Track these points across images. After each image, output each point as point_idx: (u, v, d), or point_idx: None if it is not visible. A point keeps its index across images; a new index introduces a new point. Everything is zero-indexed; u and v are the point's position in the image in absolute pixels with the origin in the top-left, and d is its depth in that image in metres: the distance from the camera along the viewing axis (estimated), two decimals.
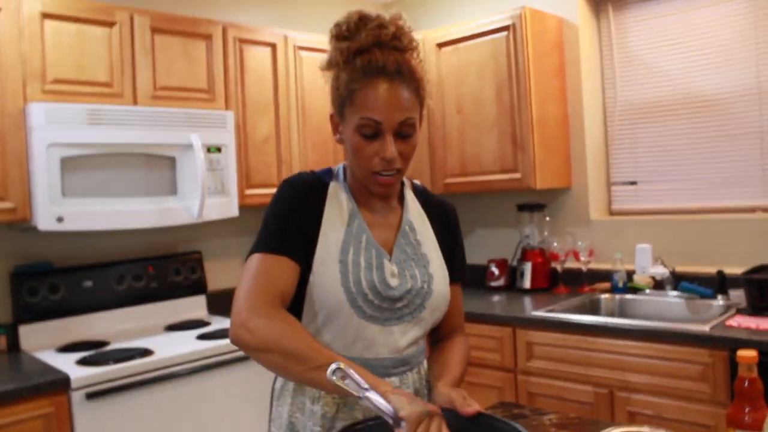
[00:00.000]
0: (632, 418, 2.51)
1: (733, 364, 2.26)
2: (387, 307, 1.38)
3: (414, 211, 1.51)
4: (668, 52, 3.20)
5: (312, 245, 1.36)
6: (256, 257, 1.31)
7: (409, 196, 1.53)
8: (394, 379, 1.41)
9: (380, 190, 1.38)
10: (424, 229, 1.50)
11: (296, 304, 1.38)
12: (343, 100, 1.35)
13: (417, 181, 1.62)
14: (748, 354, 1.26)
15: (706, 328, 2.38)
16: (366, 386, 1.10)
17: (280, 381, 1.46)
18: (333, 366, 1.09)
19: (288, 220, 1.35)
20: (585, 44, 3.41)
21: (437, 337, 1.58)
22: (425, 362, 1.53)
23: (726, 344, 2.29)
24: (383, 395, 1.10)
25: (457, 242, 1.58)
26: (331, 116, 1.42)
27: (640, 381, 2.50)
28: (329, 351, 1.21)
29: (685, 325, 2.44)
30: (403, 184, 1.54)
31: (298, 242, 1.34)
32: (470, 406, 1.22)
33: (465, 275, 1.61)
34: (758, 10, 2.92)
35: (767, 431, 1.16)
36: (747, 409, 1.23)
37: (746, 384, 1.25)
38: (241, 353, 2.28)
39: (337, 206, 1.41)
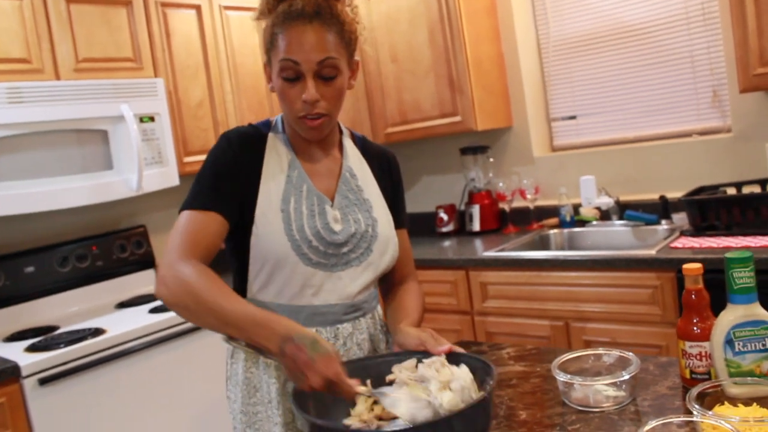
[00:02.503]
0: (588, 346, 2.57)
1: (681, 285, 2.33)
2: (332, 252, 1.37)
3: (354, 158, 1.50)
4: None
5: (253, 198, 1.35)
6: (185, 214, 1.32)
7: (348, 144, 1.52)
8: (347, 325, 1.41)
9: (309, 133, 1.37)
10: (365, 176, 1.49)
11: (242, 257, 1.37)
12: (268, 46, 1.34)
13: (357, 132, 1.60)
14: (693, 267, 1.28)
15: (652, 252, 2.44)
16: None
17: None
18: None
19: (220, 175, 1.34)
20: None
21: (389, 285, 1.57)
22: (379, 308, 1.53)
23: (672, 265, 2.35)
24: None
25: (399, 189, 1.59)
26: (264, 66, 1.40)
27: (593, 310, 2.56)
28: (241, 305, 1.21)
29: (632, 251, 2.50)
30: (341, 132, 1.52)
31: (229, 197, 1.33)
32: (441, 345, 1.23)
33: (407, 222, 1.61)
34: None
35: (715, 338, 1.20)
36: (695, 320, 1.27)
37: (693, 296, 1.28)
38: None
39: (276, 157, 1.40)
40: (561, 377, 1.26)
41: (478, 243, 3.23)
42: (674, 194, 2.92)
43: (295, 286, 1.36)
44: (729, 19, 2.73)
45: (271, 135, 1.42)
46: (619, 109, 3.24)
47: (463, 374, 1.13)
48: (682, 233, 2.66)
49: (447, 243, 3.39)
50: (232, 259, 1.42)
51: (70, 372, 2.26)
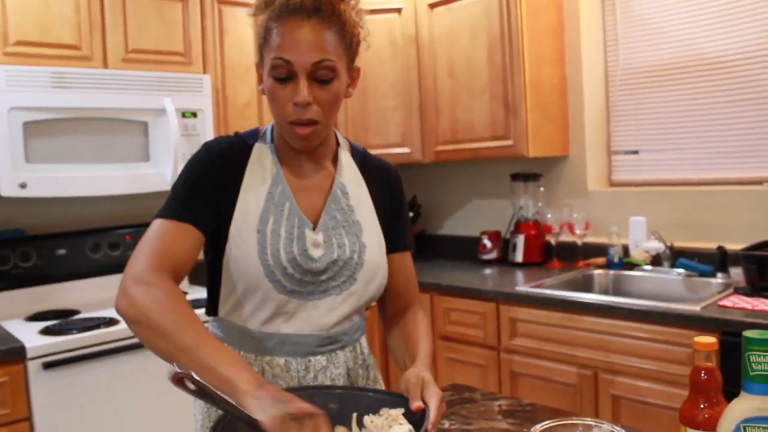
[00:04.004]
0: (616, 402, 2.38)
1: (726, 347, 2.11)
2: (309, 280, 1.26)
3: (349, 173, 1.38)
4: (675, 10, 2.98)
5: (229, 214, 1.26)
6: (157, 222, 1.22)
7: (345, 158, 1.39)
8: (320, 358, 1.30)
9: (297, 142, 1.25)
10: (359, 194, 1.37)
11: (216, 275, 1.29)
12: (260, 43, 1.23)
13: (358, 145, 1.49)
14: (705, 340, 1.11)
15: (697, 308, 2.23)
16: (218, 393, 0.90)
17: None
18: (175, 371, 0.87)
19: (196, 186, 1.24)
20: (586, 2, 3.20)
21: (390, 313, 1.46)
22: (363, 340, 1.42)
23: (717, 326, 2.14)
24: (239, 401, 0.92)
25: (401, 208, 1.46)
26: (256, 65, 1.29)
27: (625, 363, 2.36)
28: (200, 332, 1.05)
29: (674, 305, 2.29)
30: (339, 144, 1.41)
31: (205, 210, 1.23)
32: (418, 400, 1.08)
33: (412, 244, 1.49)
34: None
35: (723, 428, 1.03)
36: (702, 405, 1.10)
37: (703, 375, 1.11)
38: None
39: (260, 170, 1.30)
40: None
41: (519, 275, 3.06)
42: (735, 246, 2.68)
43: (266, 312, 1.26)
44: None
45: (257, 145, 1.32)
46: (687, 147, 3.01)
47: None
48: (736, 290, 2.42)
49: (488, 271, 3.23)
50: (207, 277, 1.34)
51: (75, 359, 2.25)
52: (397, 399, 1.15)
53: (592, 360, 2.45)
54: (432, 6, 3.31)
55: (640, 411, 2.31)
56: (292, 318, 1.27)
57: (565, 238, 3.21)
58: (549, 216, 3.21)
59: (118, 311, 1.13)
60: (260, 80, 1.29)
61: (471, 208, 3.72)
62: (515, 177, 3.34)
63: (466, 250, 3.58)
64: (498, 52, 3.06)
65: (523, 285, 2.78)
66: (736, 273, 2.61)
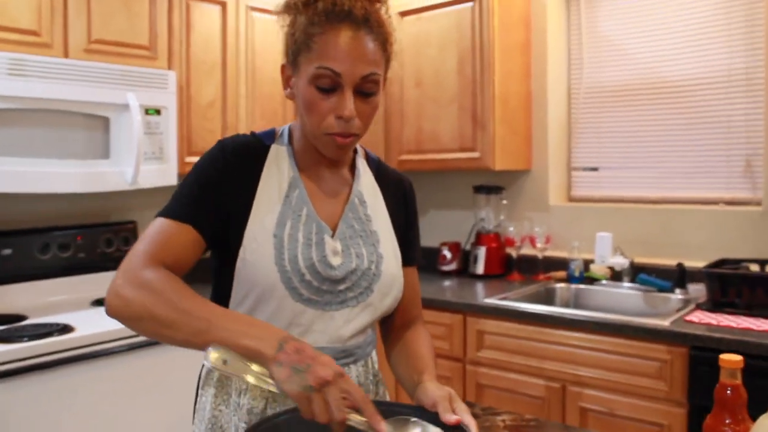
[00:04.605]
0: (584, 414, 2.40)
1: (693, 362, 2.17)
2: (327, 289, 1.21)
3: (366, 182, 1.34)
4: (638, 34, 3.08)
5: (243, 217, 1.19)
6: (157, 221, 1.15)
7: (362, 166, 1.35)
8: None
9: (334, 152, 1.20)
10: (376, 204, 1.33)
11: (226, 281, 1.21)
12: (298, 47, 1.16)
13: (372, 153, 1.44)
14: (732, 358, 1.12)
15: (665, 323, 2.28)
16: (246, 363, 0.95)
17: (206, 365, 1.28)
18: (210, 352, 0.94)
19: (205, 186, 1.17)
20: (553, 21, 3.26)
21: (393, 328, 1.41)
22: (374, 354, 1.37)
23: (686, 341, 2.19)
24: (267, 367, 0.95)
25: (413, 222, 1.43)
26: (283, 67, 1.23)
27: (593, 376, 2.39)
28: (206, 308, 1.03)
29: (643, 319, 2.34)
30: (355, 151, 1.36)
31: (210, 213, 1.16)
32: (453, 414, 1.06)
33: (420, 259, 1.46)
34: None
35: None
36: (728, 421, 1.10)
37: (729, 392, 1.12)
38: None
39: (277, 173, 1.23)
40: None
41: (479, 287, 3.07)
42: (692, 263, 2.77)
43: (280, 323, 1.18)
44: None
45: (274, 147, 1.25)
46: (645, 166, 3.09)
47: None
48: (698, 306, 2.50)
49: (447, 282, 3.22)
50: (215, 283, 1.26)
51: (29, 369, 2.09)
52: (411, 411, 1.11)
53: (560, 373, 2.47)
54: (403, 14, 3.30)
55: (608, 423, 2.34)
56: (308, 330, 1.20)
57: (526, 251, 3.24)
58: (511, 229, 3.24)
59: (112, 312, 1.07)
60: (286, 84, 1.23)
61: (431, 218, 3.72)
62: (478, 189, 3.36)
63: (425, 261, 3.57)
64: (468, 64, 3.07)
65: (485, 297, 2.78)
66: (694, 289, 2.70)
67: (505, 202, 3.36)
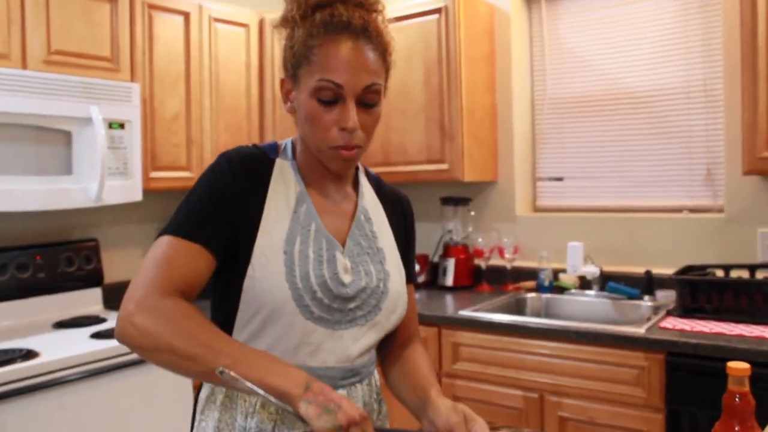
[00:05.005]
0: (563, 424, 2.41)
1: (670, 368, 2.21)
2: (337, 307, 1.18)
3: (370, 199, 1.32)
4: (599, 46, 3.14)
5: (251, 233, 1.14)
6: (165, 240, 1.09)
7: (364, 182, 1.33)
8: (342, 392, 1.21)
9: (339, 165, 1.18)
10: (380, 221, 1.31)
11: (231, 300, 1.16)
12: (298, 60, 1.14)
13: (371, 170, 1.42)
14: (739, 366, 1.13)
15: (641, 330, 2.31)
16: (272, 398, 0.97)
17: (206, 390, 1.23)
18: (220, 371, 0.96)
19: (215, 201, 1.12)
20: (516, 33, 3.30)
21: (392, 346, 1.38)
22: (377, 374, 1.34)
23: (662, 347, 2.22)
24: (293, 405, 0.96)
25: (411, 240, 1.41)
26: (282, 82, 1.21)
27: (571, 385, 2.41)
28: (229, 344, 1.02)
29: (619, 327, 2.37)
30: (357, 168, 1.34)
31: (222, 230, 1.12)
32: None
33: (416, 276, 1.44)
34: (688, 9, 2.90)
35: None
36: (737, 429, 1.11)
37: (737, 400, 1.13)
38: None
39: (283, 187, 1.20)
40: None
41: (449, 299, 3.06)
42: (659, 270, 2.83)
43: (290, 342, 1.15)
44: (732, 97, 2.69)
45: (278, 161, 1.22)
46: (609, 176, 3.15)
47: None
48: (669, 312, 2.54)
49: (416, 295, 3.19)
50: (217, 301, 1.21)
51: None
52: None
53: (537, 383, 2.48)
54: None
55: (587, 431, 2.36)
56: (318, 350, 1.17)
57: (495, 262, 3.25)
58: (479, 240, 3.24)
59: (127, 341, 1.03)
60: (287, 99, 1.20)
61: None
62: (446, 201, 3.36)
63: None
64: (435, 76, 3.07)
65: (458, 309, 2.78)
66: (663, 296, 2.75)
67: (472, 213, 3.38)
